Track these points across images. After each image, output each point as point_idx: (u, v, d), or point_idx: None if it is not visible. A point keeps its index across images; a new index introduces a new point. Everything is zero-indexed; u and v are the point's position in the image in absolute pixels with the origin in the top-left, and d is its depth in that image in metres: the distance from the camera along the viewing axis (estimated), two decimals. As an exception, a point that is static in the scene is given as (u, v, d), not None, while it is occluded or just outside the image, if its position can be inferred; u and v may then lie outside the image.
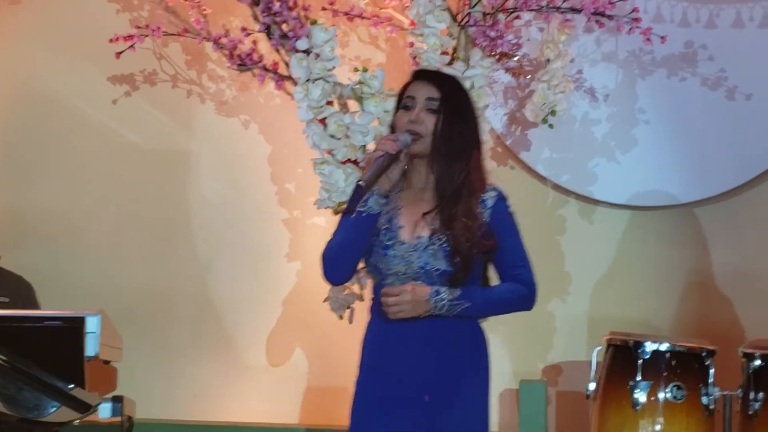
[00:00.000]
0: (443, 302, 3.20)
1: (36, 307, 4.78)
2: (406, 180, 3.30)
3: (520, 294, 3.33)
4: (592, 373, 4.23)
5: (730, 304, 4.80)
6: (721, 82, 4.77)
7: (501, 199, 3.34)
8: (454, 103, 3.30)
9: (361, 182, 3.15)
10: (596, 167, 4.87)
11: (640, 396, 4.06)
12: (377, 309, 3.29)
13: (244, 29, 4.54)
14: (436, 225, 3.24)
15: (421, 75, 3.38)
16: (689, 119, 4.82)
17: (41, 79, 5.28)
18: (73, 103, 5.27)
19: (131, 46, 4.69)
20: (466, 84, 4.18)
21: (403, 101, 3.31)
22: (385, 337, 3.28)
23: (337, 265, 3.26)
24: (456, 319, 3.24)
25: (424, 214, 3.26)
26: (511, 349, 4.98)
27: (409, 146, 3.23)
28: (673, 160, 4.83)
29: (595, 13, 4.26)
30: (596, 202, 4.91)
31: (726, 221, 4.84)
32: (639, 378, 4.06)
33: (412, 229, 3.25)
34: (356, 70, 4.33)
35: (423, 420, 3.22)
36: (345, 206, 3.28)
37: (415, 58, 4.32)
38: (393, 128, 3.32)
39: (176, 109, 5.24)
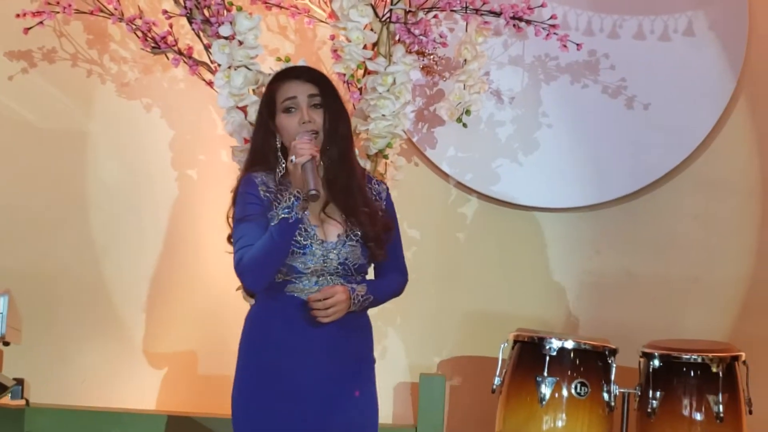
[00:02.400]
0: (358, 298, 3.30)
1: None
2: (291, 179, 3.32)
3: (401, 285, 3.50)
4: (498, 368, 4.33)
5: (622, 305, 4.98)
6: (621, 90, 4.94)
7: (389, 192, 3.51)
8: (332, 97, 3.37)
9: (313, 191, 3.14)
10: (499, 168, 4.98)
11: (546, 391, 4.18)
12: (267, 310, 3.33)
13: (165, 12, 4.47)
14: (343, 220, 3.33)
15: (291, 74, 3.39)
16: (590, 125, 4.97)
17: (-68, 50, 5.10)
18: (-34, 78, 5.10)
19: (40, 22, 4.57)
20: (388, 80, 4.24)
21: (284, 104, 3.33)
22: (288, 335, 3.31)
23: (264, 272, 3.26)
24: (355, 320, 3.36)
25: (323, 210, 3.33)
26: (407, 343, 5.06)
27: None
28: (572, 164, 4.97)
29: (514, 18, 4.36)
30: (498, 201, 5.02)
31: (620, 226, 5.01)
32: (546, 374, 4.18)
33: (325, 227, 3.33)
34: (279, 59, 4.33)
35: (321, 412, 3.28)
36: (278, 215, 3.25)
37: (336, 51, 4.33)
38: (272, 134, 3.34)
39: (75, 89, 5.11)
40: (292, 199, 3.19)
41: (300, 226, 3.25)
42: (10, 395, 3.74)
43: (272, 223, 3.21)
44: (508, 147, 4.98)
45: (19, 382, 4.01)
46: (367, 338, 3.42)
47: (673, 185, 4.98)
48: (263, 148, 3.37)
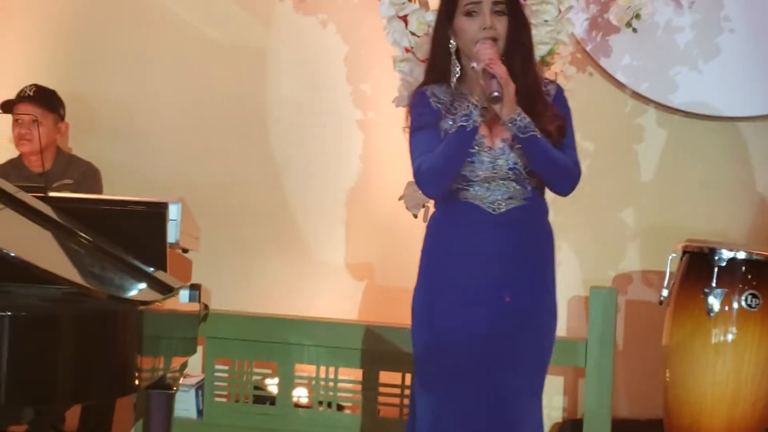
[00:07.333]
0: (524, 119, 3.19)
1: (98, 191, 4.82)
2: (468, 86, 3.30)
3: (570, 166, 3.32)
4: (666, 280, 4.21)
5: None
6: (812, -11, 4.68)
7: (561, 90, 3.42)
8: (517, 5, 3.33)
9: (496, 93, 3.11)
10: (677, 75, 4.81)
11: (715, 303, 4.04)
12: (443, 216, 3.36)
13: None
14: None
15: None
16: (775, 28, 4.74)
17: (121, -30, 5.31)
18: (152, -4, 5.29)
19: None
20: (553, -16, 4.16)
21: (466, 7, 3.29)
22: (460, 236, 3.32)
23: (441, 179, 3.28)
24: (531, 225, 3.32)
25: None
26: (581, 257, 4.99)
27: None
28: (756, 70, 4.75)
29: None
30: (675, 111, 4.86)
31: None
32: (714, 285, 4.04)
33: (492, 134, 3.30)
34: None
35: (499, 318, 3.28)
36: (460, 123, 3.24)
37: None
38: (449, 35, 3.31)
39: (255, 6, 5.24)
40: (471, 107, 3.20)
41: None
42: (180, 297, 3.87)
43: (450, 131, 3.22)
44: (687, 54, 4.79)
45: (196, 287, 4.13)
46: (545, 246, 3.38)
47: None
48: (439, 52, 3.36)
